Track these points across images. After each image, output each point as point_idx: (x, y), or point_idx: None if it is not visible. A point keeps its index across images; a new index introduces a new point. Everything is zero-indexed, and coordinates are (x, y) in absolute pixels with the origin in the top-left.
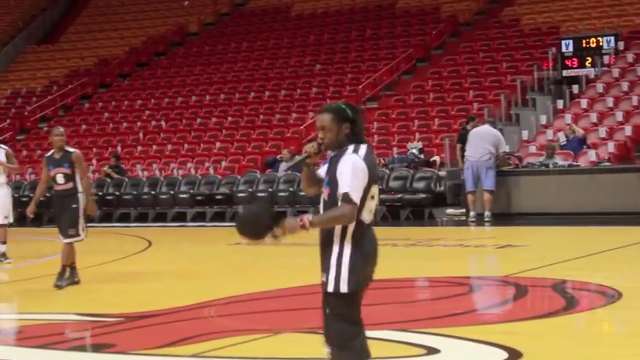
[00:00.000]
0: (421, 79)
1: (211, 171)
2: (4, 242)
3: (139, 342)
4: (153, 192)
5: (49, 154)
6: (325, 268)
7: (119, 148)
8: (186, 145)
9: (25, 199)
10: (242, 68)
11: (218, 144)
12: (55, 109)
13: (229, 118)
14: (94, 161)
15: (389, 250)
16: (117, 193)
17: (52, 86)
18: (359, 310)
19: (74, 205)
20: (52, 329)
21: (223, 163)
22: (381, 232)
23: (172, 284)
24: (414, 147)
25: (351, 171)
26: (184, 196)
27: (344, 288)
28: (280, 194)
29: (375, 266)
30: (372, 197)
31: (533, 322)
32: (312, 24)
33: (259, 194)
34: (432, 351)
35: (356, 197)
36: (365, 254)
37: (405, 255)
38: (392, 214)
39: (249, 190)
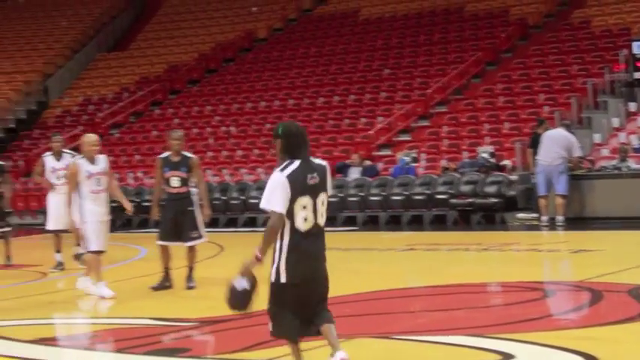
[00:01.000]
0: (491, 83)
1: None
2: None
3: (213, 346)
4: (224, 197)
5: (164, 155)
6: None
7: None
8: (255, 151)
9: (146, 203)
10: (310, 73)
11: None
12: (126, 116)
13: (298, 123)
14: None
15: (461, 255)
16: None
17: (123, 93)
18: (291, 299)
19: (190, 208)
20: (127, 334)
21: None
22: (452, 237)
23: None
24: (484, 151)
25: (269, 186)
26: (255, 201)
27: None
28: (350, 199)
29: (311, 268)
30: (304, 207)
31: (609, 327)
32: (380, 28)
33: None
34: (507, 357)
35: (275, 207)
36: (295, 258)
37: (478, 260)
38: (463, 218)
39: None
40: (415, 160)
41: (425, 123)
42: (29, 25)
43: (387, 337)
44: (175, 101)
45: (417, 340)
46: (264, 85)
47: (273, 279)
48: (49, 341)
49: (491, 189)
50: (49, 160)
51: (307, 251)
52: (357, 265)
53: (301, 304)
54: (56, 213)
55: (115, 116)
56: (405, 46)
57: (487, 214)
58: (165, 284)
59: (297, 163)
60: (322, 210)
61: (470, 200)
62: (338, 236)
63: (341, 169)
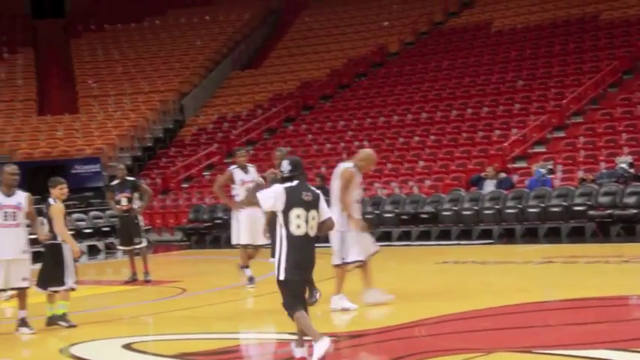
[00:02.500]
0: (628, 92)
1: (415, 190)
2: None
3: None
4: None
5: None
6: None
7: (323, 169)
8: (389, 165)
9: None
10: (443, 86)
11: (421, 162)
12: (260, 133)
13: (432, 137)
14: None
15: (600, 268)
16: None
17: (257, 110)
18: (293, 292)
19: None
20: (267, 348)
21: (427, 182)
22: (590, 250)
23: (382, 304)
24: (623, 161)
25: (270, 190)
26: (389, 215)
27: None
28: (486, 212)
29: (304, 269)
30: (298, 216)
31: None
32: (513, 39)
33: (465, 212)
34: None
35: (261, 199)
36: (293, 259)
37: (618, 272)
38: (602, 230)
39: (455, 208)
40: (551, 171)
41: (561, 134)
42: (165, 45)
43: (529, 352)
44: (308, 117)
45: (559, 354)
46: (396, 99)
47: (279, 277)
48: (191, 356)
49: (631, 200)
50: (237, 172)
51: (302, 252)
52: (493, 278)
53: (299, 291)
54: (247, 227)
55: (249, 133)
56: (539, 57)
57: (627, 226)
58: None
59: (295, 182)
60: (312, 224)
61: (609, 212)
62: (473, 249)
63: (476, 182)
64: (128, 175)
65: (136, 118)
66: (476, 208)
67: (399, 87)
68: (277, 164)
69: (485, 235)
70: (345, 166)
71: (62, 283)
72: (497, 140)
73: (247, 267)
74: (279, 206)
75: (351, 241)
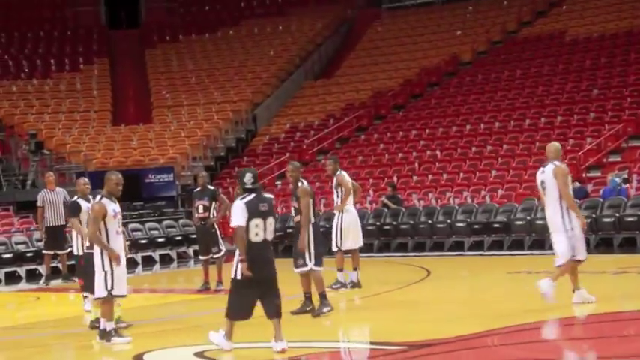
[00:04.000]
0: None
1: (488, 199)
2: (356, 268)
3: None
4: (430, 221)
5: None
6: None
7: (395, 179)
8: (461, 174)
9: None
10: (516, 95)
11: (494, 172)
12: (332, 142)
13: (505, 146)
14: (370, 192)
15: None
16: (394, 222)
17: (329, 119)
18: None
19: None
20: (343, 357)
21: (500, 192)
22: None
23: (454, 312)
24: None
25: (233, 210)
26: (461, 225)
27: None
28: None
29: (259, 270)
30: (256, 226)
31: None
32: (588, 48)
33: (538, 222)
34: None
35: (235, 223)
36: (250, 260)
37: None
38: None
39: (527, 218)
40: (626, 181)
41: (636, 143)
42: (238, 55)
43: None
44: (381, 127)
45: None
46: (469, 108)
47: (232, 275)
48: None
49: None
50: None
51: (258, 257)
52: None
53: (249, 294)
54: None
55: (322, 143)
56: (615, 66)
57: None
58: (305, 309)
59: (252, 195)
60: (270, 229)
61: None
62: (546, 259)
63: None
64: (209, 184)
65: (209, 128)
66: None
67: (471, 96)
68: (290, 176)
69: None
70: (557, 164)
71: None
72: (571, 149)
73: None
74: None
75: (578, 239)
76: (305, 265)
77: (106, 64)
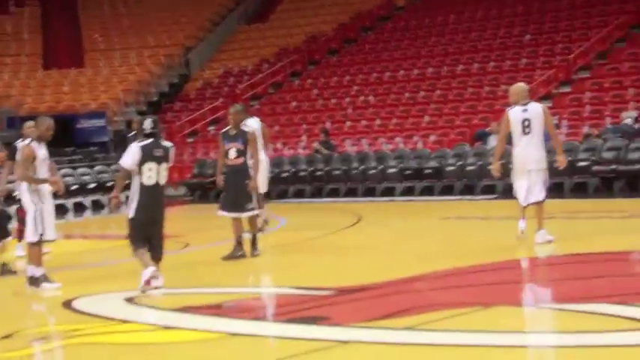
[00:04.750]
0: (636, 47)
1: (420, 145)
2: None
3: (353, 315)
4: (362, 167)
5: (224, 130)
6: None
7: (328, 124)
8: (394, 120)
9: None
10: (450, 41)
11: (427, 118)
12: (265, 87)
13: (437, 92)
14: (303, 137)
15: (603, 223)
16: (326, 168)
17: (263, 64)
18: (138, 230)
19: (247, 181)
20: (268, 302)
21: (432, 137)
22: (594, 205)
23: (384, 258)
24: (628, 116)
25: (127, 151)
26: (393, 170)
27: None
28: (490, 167)
29: (151, 211)
30: (150, 169)
31: None
32: None
33: (469, 167)
34: None
35: (122, 163)
36: (141, 203)
37: (621, 228)
38: (605, 186)
39: (459, 163)
40: (557, 126)
41: (566, 89)
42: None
43: (527, 306)
44: (314, 72)
45: (559, 308)
46: (402, 54)
47: (128, 216)
48: (193, 310)
49: (636, 155)
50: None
51: (149, 199)
52: (495, 233)
53: (144, 232)
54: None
55: (255, 88)
56: (547, 11)
57: (631, 182)
58: (236, 254)
59: (150, 140)
60: (163, 174)
61: (613, 167)
62: (474, 204)
63: (480, 137)
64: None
65: (142, 73)
66: (480, 162)
67: (405, 42)
68: (230, 119)
69: (489, 190)
70: (538, 104)
71: None
72: (502, 95)
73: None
74: (136, 161)
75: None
76: (253, 209)
77: (37, 7)
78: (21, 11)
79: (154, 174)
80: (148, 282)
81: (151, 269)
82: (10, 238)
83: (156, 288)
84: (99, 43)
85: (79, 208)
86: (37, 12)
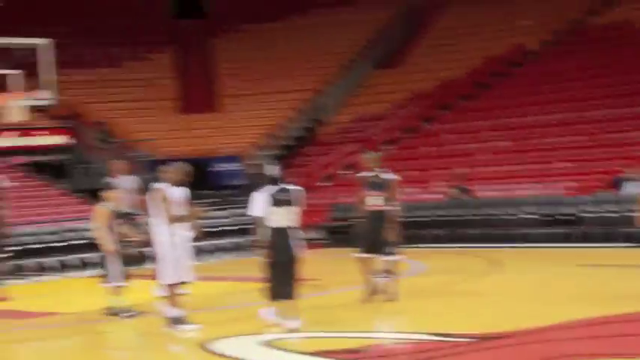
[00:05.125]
0: None
1: (558, 191)
2: None
3: None
4: (498, 212)
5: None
6: None
7: (464, 169)
8: (530, 165)
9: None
10: (585, 86)
11: (563, 163)
12: (398, 132)
13: (574, 137)
14: (438, 182)
15: None
16: (463, 213)
17: (396, 109)
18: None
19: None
20: (405, 349)
21: (569, 183)
22: None
23: (521, 305)
24: None
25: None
26: (531, 216)
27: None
28: (629, 214)
29: (283, 254)
30: (277, 214)
31: None
32: None
33: (608, 214)
34: None
35: (251, 212)
36: (273, 246)
37: None
38: None
39: (597, 210)
40: None
41: None
42: (305, 44)
43: None
44: (447, 116)
45: None
46: (536, 99)
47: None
48: (329, 354)
49: None
50: None
51: (280, 241)
52: (635, 282)
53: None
54: None
55: (388, 132)
56: None
57: None
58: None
59: (276, 185)
60: (292, 217)
61: None
62: (613, 252)
63: (617, 183)
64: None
65: (276, 117)
66: (619, 209)
67: (539, 87)
68: (367, 166)
69: (629, 238)
70: None
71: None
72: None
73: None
74: (264, 208)
75: None
76: (392, 253)
77: (173, 53)
78: (158, 57)
79: (282, 218)
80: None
81: (274, 317)
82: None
83: (292, 330)
84: (234, 87)
85: (217, 249)
86: (173, 58)
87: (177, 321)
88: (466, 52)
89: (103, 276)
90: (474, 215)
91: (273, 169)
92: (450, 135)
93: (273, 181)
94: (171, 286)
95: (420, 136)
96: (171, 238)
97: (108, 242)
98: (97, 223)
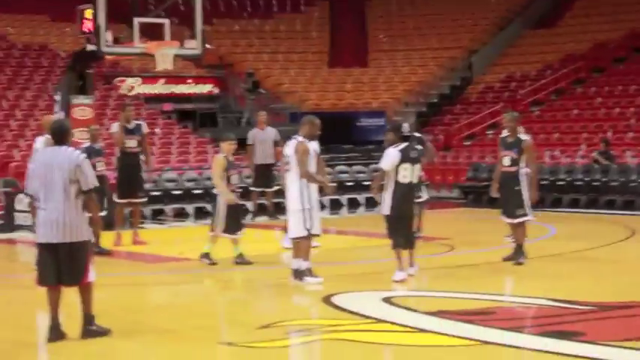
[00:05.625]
0: None
1: None
2: None
3: (609, 332)
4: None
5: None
6: None
7: (610, 134)
8: None
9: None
10: None
11: None
12: (548, 94)
13: None
14: (583, 146)
15: None
16: (604, 179)
17: (546, 70)
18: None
19: (517, 187)
20: (524, 313)
21: None
22: None
23: None
24: None
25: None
26: None
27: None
28: None
29: (405, 208)
30: (405, 169)
31: None
32: None
33: None
34: None
35: (383, 166)
36: (396, 200)
37: None
38: None
39: None
40: None
41: None
42: (458, 2)
43: None
44: (599, 80)
45: None
46: None
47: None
48: (449, 314)
49: None
50: None
51: (403, 196)
52: None
53: (399, 227)
54: None
55: (537, 93)
56: None
57: None
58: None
59: (406, 143)
60: (417, 174)
61: None
62: None
63: None
64: (415, 131)
65: (424, 74)
66: None
67: None
68: (507, 126)
69: None
70: None
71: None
72: None
73: None
74: (395, 163)
75: None
76: (524, 215)
77: (326, 7)
78: (311, 10)
79: (408, 173)
80: (398, 282)
81: (401, 274)
82: (242, 231)
83: (409, 276)
84: (383, 43)
85: (353, 204)
86: (326, 12)
87: (303, 273)
88: (626, 14)
89: (215, 225)
90: (615, 181)
91: (406, 127)
92: (600, 98)
93: (406, 138)
94: (300, 238)
95: (570, 99)
96: (304, 191)
97: (224, 191)
98: (214, 172)
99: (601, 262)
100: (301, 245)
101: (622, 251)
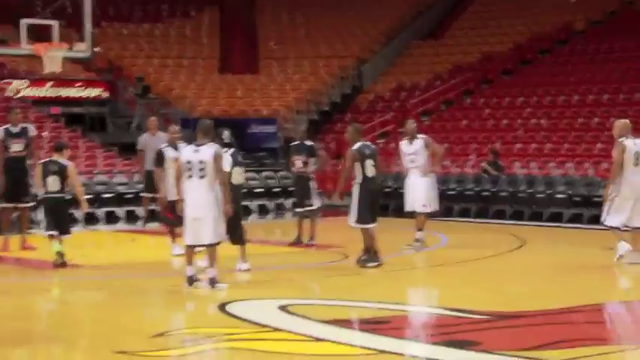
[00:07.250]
0: None
1: (591, 172)
2: (421, 229)
3: (504, 342)
4: (529, 190)
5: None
6: None
7: (498, 145)
8: (566, 145)
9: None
10: (628, 68)
11: (599, 145)
12: (437, 104)
13: (612, 119)
14: (472, 156)
15: None
16: (493, 189)
17: (436, 81)
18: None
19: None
20: (420, 322)
21: (604, 165)
22: None
23: (543, 286)
24: None
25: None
26: (562, 196)
27: None
28: None
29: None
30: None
31: None
32: None
33: None
34: None
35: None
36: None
37: None
38: None
39: None
40: None
41: None
42: (348, 11)
43: None
44: (487, 91)
45: None
46: (578, 78)
47: None
48: (344, 323)
49: None
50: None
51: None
52: None
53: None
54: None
55: (426, 104)
56: None
57: None
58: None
59: (231, 149)
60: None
61: None
62: None
63: None
64: (306, 139)
65: (315, 82)
66: None
67: (582, 66)
68: (349, 138)
69: None
70: None
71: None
72: None
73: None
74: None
75: None
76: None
77: (216, 13)
78: (200, 16)
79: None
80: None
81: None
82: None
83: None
84: (274, 50)
85: (245, 211)
86: (216, 17)
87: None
88: (511, 27)
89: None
90: (504, 192)
91: (226, 134)
92: (488, 109)
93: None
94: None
95: (459, 109)
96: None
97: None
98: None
99: (492, 272)
100: (212, 252)
101: (512, 261)
